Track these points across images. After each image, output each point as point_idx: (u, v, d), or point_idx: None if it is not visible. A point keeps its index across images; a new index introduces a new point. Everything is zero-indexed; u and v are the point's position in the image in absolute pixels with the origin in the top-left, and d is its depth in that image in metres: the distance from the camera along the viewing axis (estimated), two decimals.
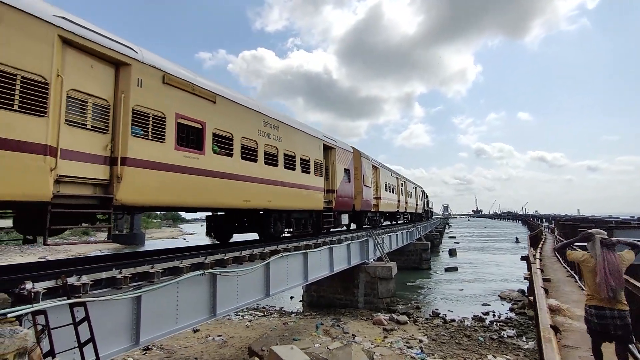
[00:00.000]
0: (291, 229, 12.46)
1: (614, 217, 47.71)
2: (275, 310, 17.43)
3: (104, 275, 5.63)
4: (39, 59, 4.95)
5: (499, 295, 19.97)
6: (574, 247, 7.84)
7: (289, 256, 10.96)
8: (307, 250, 11.86)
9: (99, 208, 5.86)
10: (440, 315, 15.98)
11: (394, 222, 29.11)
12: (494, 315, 16.16)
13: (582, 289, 8.70)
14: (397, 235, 24.22)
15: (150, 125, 6.62)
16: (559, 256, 12.94)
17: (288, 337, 12.80)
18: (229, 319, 15.49)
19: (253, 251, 9.28)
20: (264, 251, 9.64)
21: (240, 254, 8.85)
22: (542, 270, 10.87)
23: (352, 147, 17.44)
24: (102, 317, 5.66)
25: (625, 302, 4.16)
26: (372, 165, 20.77)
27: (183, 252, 8.85)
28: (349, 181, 16.34)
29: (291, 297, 20.01)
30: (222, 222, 11.04)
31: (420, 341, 12.58)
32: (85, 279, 5.26)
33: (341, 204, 15.10)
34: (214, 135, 8.22)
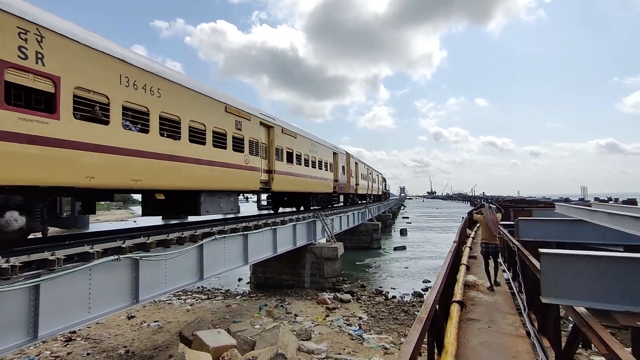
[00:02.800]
0: (316, 204, 21.39)
1: (546, 198, 52.32)
2: (221, 292, 17.11)
3: None
4: (258, 133, 12.74)
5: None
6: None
7: (226, 238, 10.63)
8: (247, 232, 11.58)
9: (265, 192, 14.19)
10: (382, 293, 16.62)
11: (363, 202, 36.75)
12: None
13: (501, 264, 9.42)
14: (347, 216, 24.62)
15: (280, 154, 14.70)
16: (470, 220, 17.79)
17: (228, 320, 12.63)
18: (169, 303, 14.95)
19: (183, 234, 8.82)
20: (196, 233, 9.21)
21: (167, 236, 8.37)
22: (470, 248, 11.53)
23: (345, 151, 26.71)
24: None
25: (498, 240, 8.11)
26: (355, 162, 29.71)
27: (103, 236, 8.19)
28: (344, 174, 25.61)
29: (239, 279, 19.77)
30: (276, 199, 18.90)
31: (360, 318, 13.00)
32: None
33: (340, 189, 24.40)
34: (296, 154, 16.57)
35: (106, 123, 7.08)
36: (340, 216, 22.79)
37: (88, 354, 9.46)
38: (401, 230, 43.96)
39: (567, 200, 42.30)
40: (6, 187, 5.52)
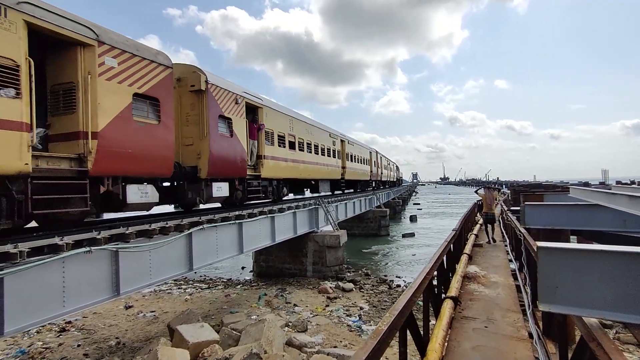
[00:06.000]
0: (360, 188, 31.72)
1: (564, 183, 50.38)
2: (222, 281, 16.91)
3: None
4: (339, 145, 23.77)
5: None
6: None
7: (218, 227, 10.22)
8: (242, 221, 11.14)
9: (341, 180, 24.37)
10: (386, 282, 16.11)
11: (381, 187, 42.60)
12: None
13: (508, 253, 8.73)
14: (353, 202, 24.02)
15: (347, 157, 25.21)
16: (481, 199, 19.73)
17: (226, 310, 12.35)
18: (169, 292, 14.81)
19: (167, 223, 8.40)
20: (182, 223, 8.78)
21: (150, 226, 7.96)
22: (476, 236, 10.82)
23: (375, 149, 36.89)
24: None
25: (494, 210, 12.58)
26: (380, 157, 40.24)
27: (84, 227, 7.84)
28: (375, 166, 35.82)
29: (242, 267, 19.57)
30: (342, 185, 24.97)
31: (361, 308, 12.54)
32: None
33: (373, 176, 34.89)
34: (353, 155, 27.41)
35: (302, 150, 16.83)
36: (346, 203, 22.21)
37: (79, 345, 9.29)
38: (411, 216, 43.16)
39: (586, 184, 40.43)
40: (278, 178, 14.69)
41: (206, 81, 10.14)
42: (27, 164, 5.51)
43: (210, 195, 10.30)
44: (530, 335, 4.17)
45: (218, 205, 12.12)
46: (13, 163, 5.36)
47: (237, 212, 11.06)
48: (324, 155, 20.11)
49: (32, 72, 5.70)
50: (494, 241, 11.14)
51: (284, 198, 16.61)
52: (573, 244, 2.31)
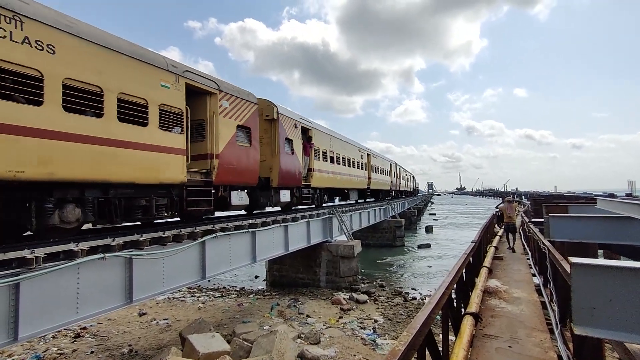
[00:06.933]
0: (382, 197, 34.61)
1: (587, 194, 48.55)
2: (235, 290, 16.83)
3: None
4: (365, 159, 26.63)
5: None
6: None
7: (232, 235, 10.18)
8: (255, 230, 11.08)
9: (367, 189, 26.74)
10: (402, 294, 15.67)
11: (398, 196, 43.98)
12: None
13: (531, 267, 8.34)
14: (367, 212, 23.70)
15: (372, 168, 27.63)
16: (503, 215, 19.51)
17: (238, 319, 12.23)
18: (182, 300, 14.82)
19: (180, 231, 8.40)
20: (195, 231, 8.78)
21: (163, 234, 7.97)
22: (496, 248, 10.42)
23: (394, 161, 39.49)
24: None
25: (515, 220, 12.77)
26: (399, 168, 42.77)
27: (94, 234, 7.93)
28: (394, 176, 38.53)
29: (255, 277, 19.48)
30: (368, 194, 27.86)
31: (375, 321, 12.19)
32: None
33: (393, 186, 37.67)
34: (377, 167, 29.49)
35: (339, 163, 19.58)
36: (360, 213, 21.93)
37: (92, 352, 9.33)
38: (427, 227, 42.31)
39: (612, 195, 38.70)
40: (321, 188, 17.45)
41: (277, 112, 12.69)
42: (185, 176, 8.15)
43: (278, 200, 12.93)
44: (560, 358, 3.87)
45: (279, 209, 14.61)
46: (179, 176, 8.03)
47: (250, 221, 11.02)
48: (355, 167, 22.91)
49: (189, 116, 8.44)
50: (513, 250, 11.64)
51: (323, 204, 19.03)
52: (612, 261, 2.09)
